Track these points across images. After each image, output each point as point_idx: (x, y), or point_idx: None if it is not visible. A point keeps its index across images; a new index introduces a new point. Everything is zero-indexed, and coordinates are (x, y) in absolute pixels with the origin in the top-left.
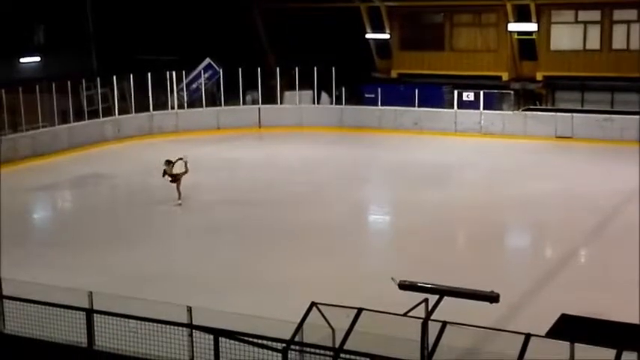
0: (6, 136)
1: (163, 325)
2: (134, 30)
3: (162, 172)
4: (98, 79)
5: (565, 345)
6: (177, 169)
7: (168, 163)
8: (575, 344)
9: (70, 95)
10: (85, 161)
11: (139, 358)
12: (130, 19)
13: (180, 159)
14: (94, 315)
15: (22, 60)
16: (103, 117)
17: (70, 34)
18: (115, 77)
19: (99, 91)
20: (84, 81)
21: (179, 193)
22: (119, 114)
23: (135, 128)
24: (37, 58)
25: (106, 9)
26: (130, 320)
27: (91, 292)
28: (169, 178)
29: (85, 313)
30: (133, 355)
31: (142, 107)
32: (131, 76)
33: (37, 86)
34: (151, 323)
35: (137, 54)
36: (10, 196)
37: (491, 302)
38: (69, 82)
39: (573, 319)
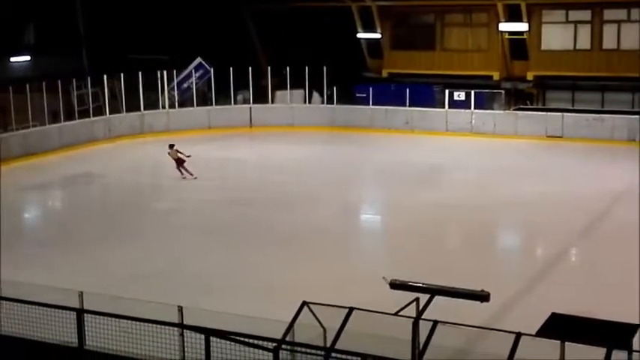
0: None
1: (154, 325)
2: (125, 29)
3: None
4: (89, 78)
5: (555, 344)
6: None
7: (171, 147)
8: (566, 343)
9: (60, 95)
10: (75, 160)
11: (129, 358)
12: (121, 19)
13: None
14: (85, 315)
15: (12, 59)
16: (93, 116)
17: (61, 33)
18: (105, 77)
19: (89, 90)
20: (74, 80)
21: (189, 172)
22: (110, 113)
23: (126, 127)
24: (28, 58)
25: (97, 8)
26: (121, 320)
27: (81, 292)
28: (174, 162)
29: (75, 313)
30: (124, 355)
31: (132, 107)
32: (122, 75)
33: (28, 86)
34: (141, 323)
35: (128, 53)
36: (1, 196)
37: (481, 301)
38: (59, 82)
39: (564, 318)
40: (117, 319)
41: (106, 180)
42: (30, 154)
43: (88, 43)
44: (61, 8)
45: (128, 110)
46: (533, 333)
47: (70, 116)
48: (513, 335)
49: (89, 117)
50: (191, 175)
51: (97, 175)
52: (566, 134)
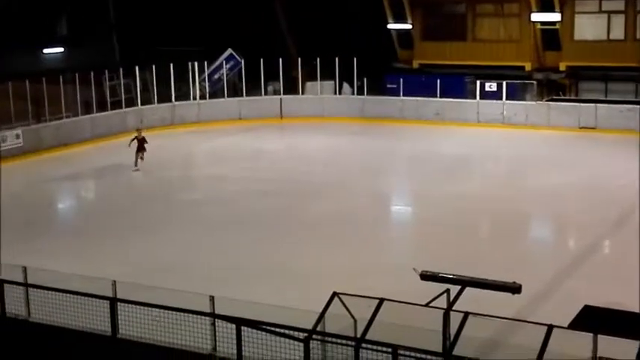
0: (29, 126)
1: (186, 315)
2: (156, 21)
3: (133, 138)
4: (121, 69)
5: (588, 336)
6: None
7: (138, 130)
8: (599, 335)
9: (93, 86)
10: (107, 151)
11: (162, 347)
12: (152, 11)
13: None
14: (118, 304)
15: (45, 51)
16: (125, 108)
17: (93, 25)
18: (137, 68)
19: (121, 81)
20: (107, 72)
21: (136, 161)
22: (142, 105)
23: (157, 119)
24: (61, 49)
25: (128, 0)
26: (153, 309)
27: (114, 281)
28: (137, 144)
29: (108, 301)
30: (156, 344)
31: (164, 98)
32: (153, 67)
33: (61, 77)
34: (174, 312)
35: (159, 45)
36: (34, 186)
37: (513, 293)
38: (92, 73)
39: (596, 311)
40: (149, 308)
41: (138, 171)
42: (62, 145)
43: (119, 35)
44: (93, 0)
45: (160, 101)
46: (566, 325)
47: (102, 107)
48: (545, 327)
49: (121, 108)
50: (136, 163)
51: (129, 166)
52: (599, 125)
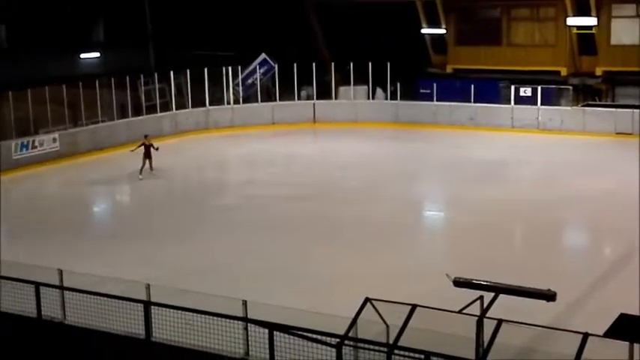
0: (66, 131)
1: (219, 319)
2: (191, 26)
3: (140, 144)
4: (156, 74)
5: (624, 345)
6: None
7: (146, 136)
8: (635, 344)
9: (128, 90)
10: (142, 155)
11: (195, 350)
12: (187, 15)
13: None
14: (152, 307)
15: (82, 56)
16: (160, 112)
17: (129, 30)
18: (172, 73)
19: (156, 86)
20: (142, 76)
21: (142, 169)
22: (176, 109)
23: (191, 123)
24: (97, 54)
25: (164, 5)
26: (187, 313)
27: (148, 285)
28: (144, 150)
29: (143, 305)
30: (190, 347)
31: (198, 102)
32: (188, 71)
33: (97, 81)
34: (207, 316)
35: (194, 50)
36: (70, 189)
37: (548, 300)
38: (127, 78)
39: (632, 319)
40: (183, 312)
41: (171, 175)
42: (99, 149)
43: (155, 40)
44: (129, 6)
45: (194, 106)
46: (601, 334)
47: (137, 112)
48: (580, 336)
49: (156, 112)
50: (142, 171)
51: (163, 170)
52: (636, 131)
